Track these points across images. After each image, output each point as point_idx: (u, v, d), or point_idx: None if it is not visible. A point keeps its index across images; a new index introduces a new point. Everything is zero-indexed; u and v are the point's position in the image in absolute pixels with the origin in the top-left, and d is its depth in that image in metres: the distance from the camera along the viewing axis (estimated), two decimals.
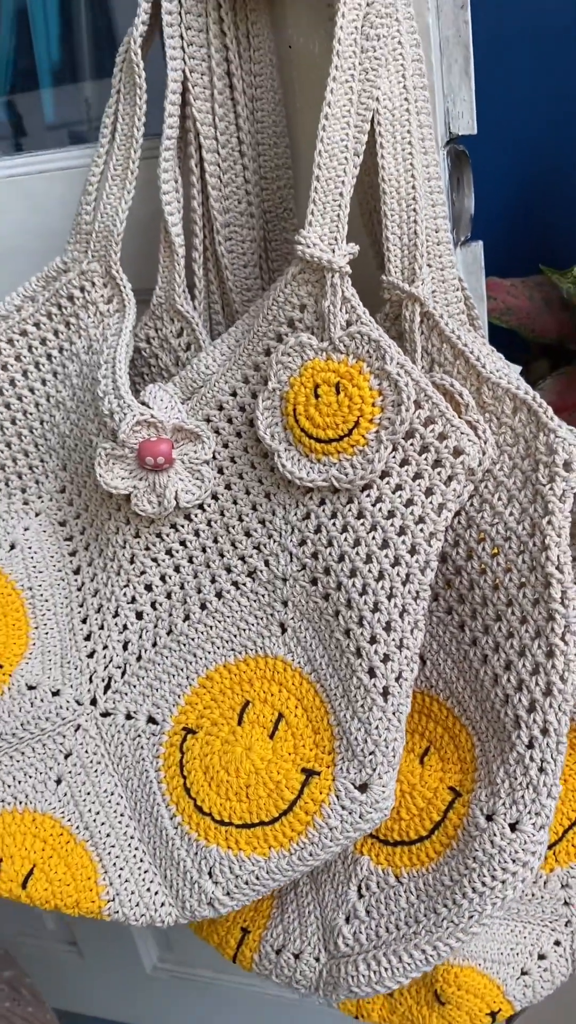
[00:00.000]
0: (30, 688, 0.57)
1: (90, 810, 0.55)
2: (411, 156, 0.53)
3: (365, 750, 0.49)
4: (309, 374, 0.52)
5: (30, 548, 0.61)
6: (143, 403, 0.56)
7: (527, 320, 0.84)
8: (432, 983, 0.63)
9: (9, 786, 0.56)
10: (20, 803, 0.56)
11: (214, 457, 0.57)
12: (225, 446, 0.57)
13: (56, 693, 0.58)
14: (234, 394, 0.57)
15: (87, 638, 0.59)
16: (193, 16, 0.56)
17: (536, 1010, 0.81)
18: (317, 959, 0.54)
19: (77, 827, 0.55)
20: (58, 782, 0.56)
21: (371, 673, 0.50)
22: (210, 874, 0.51)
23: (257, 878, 0.50)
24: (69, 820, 0.55)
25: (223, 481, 0.57)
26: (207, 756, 0.54)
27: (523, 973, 0.63)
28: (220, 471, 0.57)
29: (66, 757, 0.57)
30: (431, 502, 0.50)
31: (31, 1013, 0.96)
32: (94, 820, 0.55)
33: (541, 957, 0.63)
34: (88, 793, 0.56)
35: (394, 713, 0.49)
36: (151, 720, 0.56)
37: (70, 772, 0.56)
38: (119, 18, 0.95)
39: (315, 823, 0.50)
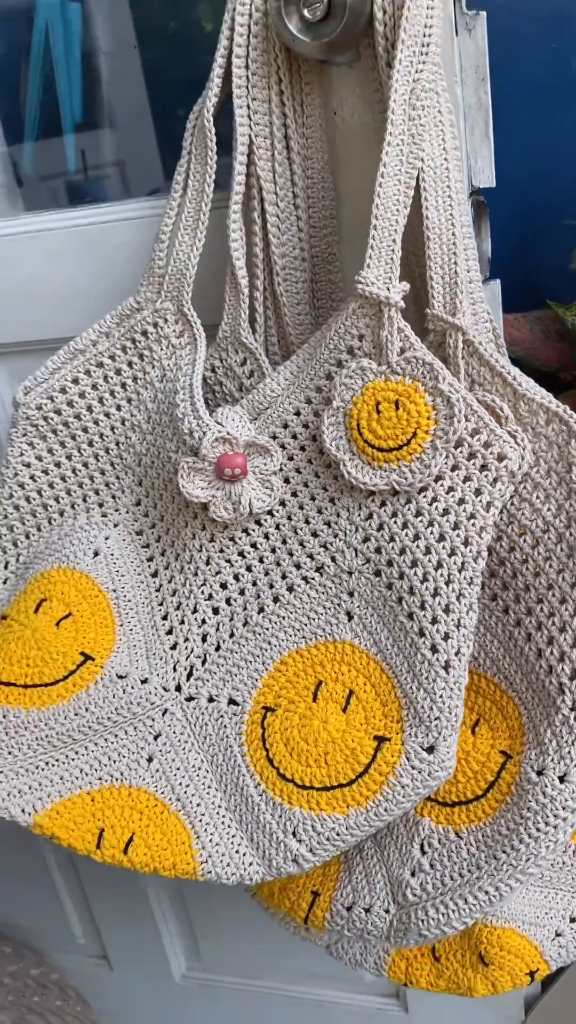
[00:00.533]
0: (120, 677, 0.64)
1: (180, 783, 0.62)
2: (451, 207, 0.62)
3: (431, 716, 0.57)
4: (371, 393, 0.60)
5: (112, 555, 0.69)
6: (217, 423, 0.64)
7: (532, 351, 0.93)
8: (476, 946, 0.70)
9: (106, 765, 0.62)
10: (117, 780, 0.62)
11: (280, 469, 0.65)
12: (290, 459, 0.65)
13: (144, 681, 0.65)
14: (297, 413, 0.65)
15: (169, 632, 0.66)
16: (258, 89, 0.65)
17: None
18: (387, 911, 0.61)
19: (169, 799, 0.62)
20: (150, 760, 0.63)
21: (433, 649, 0.58)
22: (294, 833, 0.58)
23: (337, 834, 0.57)
24: (162, 793, 0.62)
25: (289, 489, 0.65)
26: (287, 730, 0.61)
27: (557, 935, 0.70)
28: (286, 480, 0.65)
29: (156, 738, 0.63)
30: (480, 500, 0.59)
31: (79, 1012, 1.01)
32: (184, 792, 0.62)
33: (573, 920, 0.70)
34: (178, 769, 0.62)
35: (455, 683, 0.57)
36: (232, 702, 0.63)
37: (160, 751, 0.63)
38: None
39: (389, 782, 0.57)
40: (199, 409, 0.64)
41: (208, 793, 0.62)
